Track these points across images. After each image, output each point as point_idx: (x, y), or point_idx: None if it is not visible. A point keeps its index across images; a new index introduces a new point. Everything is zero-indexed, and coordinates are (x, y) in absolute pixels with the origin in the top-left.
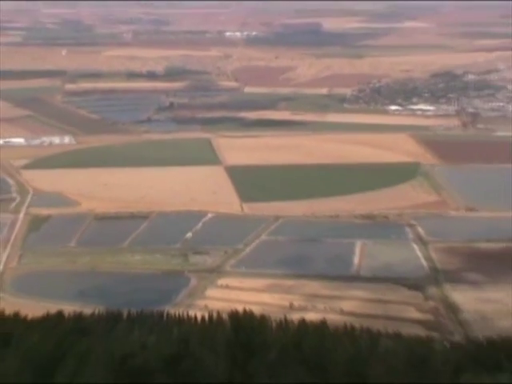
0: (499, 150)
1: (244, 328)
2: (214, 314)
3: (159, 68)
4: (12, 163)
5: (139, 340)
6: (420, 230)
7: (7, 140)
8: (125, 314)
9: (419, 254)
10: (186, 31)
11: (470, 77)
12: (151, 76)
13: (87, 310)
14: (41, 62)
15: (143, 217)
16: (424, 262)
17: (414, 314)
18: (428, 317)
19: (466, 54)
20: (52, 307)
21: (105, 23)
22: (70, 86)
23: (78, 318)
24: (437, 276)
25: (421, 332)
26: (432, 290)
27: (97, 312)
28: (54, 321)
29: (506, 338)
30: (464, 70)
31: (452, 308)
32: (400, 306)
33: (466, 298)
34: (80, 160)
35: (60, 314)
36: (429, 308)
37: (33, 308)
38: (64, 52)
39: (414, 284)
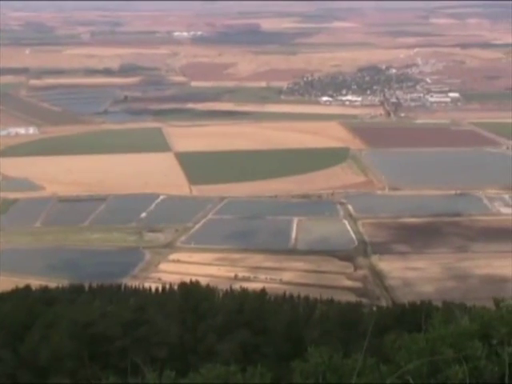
0: (419, 135)
1: (193, 296)
2: (167, 286)
3: (114, 65)
4: None
5: (99, 309)
6: (350, 207)
7: None
8: (86, 286)
9: (349, 228)
10: (137, 31)
11: (393, 71)
12: (107, 72)
13: (52, 284)
14: (6, 60)
15: (101, 199)
16: (354, 236)
17: (346, 283)
18: (358, 284)
19: (389, 50)
20: (20, 282)
21: (65, 25)
22: (33, 82)
23: (45, 290)
24: (365, 248)
25: (352, 298)
26: (361, 261)
27: (61, 285)
28: (23, 293)
29: (426, 302)
30: (387, 64)
31: (379, 276)
32: (333, 276)
33: (391, 267)
34: (44, 148)
35: (28, 287)
36: (358, 277)
37: (3, 283)
38: (28, 51)
39: (345, 255)
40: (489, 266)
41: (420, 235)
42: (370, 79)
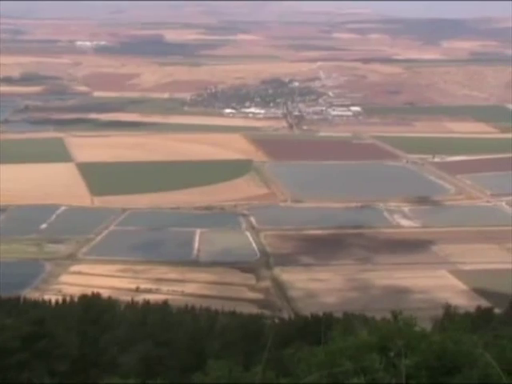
0: (321, 148)
1: (94, 308)
2: (67, 298)
3: (15, 73)
4: None
5: None
6: (252, 219)
7: None
8: None
9: (252, 240)
10: (39, 40)
11: (296, 84)
12: (7, 81)
13: None
14: None
15: (0, 210)
16: (256, 248)
17: (248, 294)
18: (260, 296)
19: (292, 63)
20: None
21: None
22: None
23: None
24: (268, 260)
25: (254, 310)
26: (264, 272)
27: None
28: None
29: (327, 313)
30: (290, 77)
31: (282, 288)
32: (235, 287)
33: (294, 279)
34: None
35: None
36: (260, 288)
37: None
38: None
39: (248, 267)
40: (390, 278)
41: (323, 247)
42: (274, 92)
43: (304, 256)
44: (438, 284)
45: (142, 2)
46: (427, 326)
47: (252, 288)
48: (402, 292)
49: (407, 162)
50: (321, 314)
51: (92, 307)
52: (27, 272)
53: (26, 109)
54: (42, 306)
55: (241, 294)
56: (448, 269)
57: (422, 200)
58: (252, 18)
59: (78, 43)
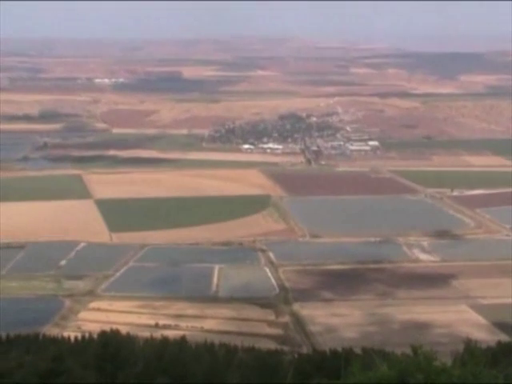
0: (339, 183)
1: (112, 344)
2: (86, 334)
3: (34, 111)
4: None
5: (16, 359)
6: (271, 254)
7: None
8: (3, 336)
9: (270, 275)
10: (58, 78)
11: (313, 119)
12: (26, 118)
13: None
14: None
15: (19, 247)
16: (275, 283)
17: (267, 330)
18: (279, 332)
19: (309, 98)
20: None
21: None
22: None
23: None
24: (287, 295)
25: (273, 346)
26: (282, 308)
27: None
28: None
29: (346, 349)
30: (307, 112)
31: (301, 323)
32: (254, 323)
33: (313, 314)
34: None
35: None
36: (279, 324)
37: None
38: None
39: (267, 303)
40: (409, 312)
41: (342, 282)
42: (291, 127)
43: (323, 291)
44: (458, 318)
45: (158, 39)
46: (447, 361)
47: (271, 323)
48: (422, 326)
49: (425, 195)
50: (340, 349)
51: (110, 343)
52: (46, 308)
53: (45, 146)
54: (61, 342)
55: (260, 329)
56: (468, 303)
57: (441, 234)
58: (267, 54)
59: (97, 81)
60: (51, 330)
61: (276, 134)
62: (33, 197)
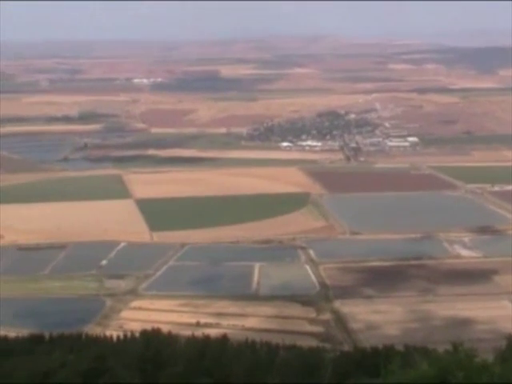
0: (379, 179)
1: (154, 344)
2: (128, 333)
3: (73, 112)
4: None
5: (59, 359)
6: (311, 252)
7: None
8: (46, 335)
9: (311, 273)
10: (97, 79)
11: (352, 116)
12: (67, 119)
13: (12, 334)
14: None
15: (61, 247)
16: (315, 281)
17: (308, 328)
18: (320, 329)
19: (348, 95)
20: None
21: (24, 72)
22: None
23: (3, 341)
24: (327, 292)
25: (314, 343)
26: (323, 305)
27: (20, 335)
28: None
29: (387, 346)
30: (346, 110)
31: (342, 320)
32: (295, 321)
33: (354, 311)
34: (2, 196)
35: None
36: (321, 321)
37: None
38: None
39: (307, 300)
40: (451, 309)
41: (383, 279)
42: (330, 124)
43: (364, 288)
44: (500, 314)
45: (196, 39)
46: (489, 358)
47: (312, 321)
48: (464, 323)
49: (466, 191)
50: (381, 346)
51: (152, 343)
52: (88, 308)
53: (85, 147)
54: (103, 341)
55: (301, 327)
56: (510, 299)
57: (483, 230)
58: (304, 52)
59: (135, 81)
60: (93, 330)
61: (314, 132)
62: (73, 197)
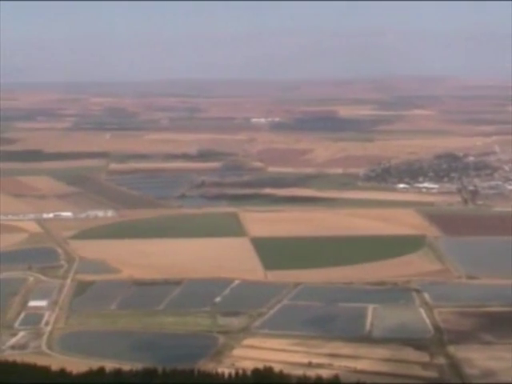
0: (497, 223)
1: (265, 382)
2: (240, 371)
3: (192, 150)
4: (60, 234)
5: None
6: (426, 295)
7: (57, 214)
8: (160, 370)
9: (425, 316)
10: (215, 117)
11: (470, 158)
12: (185, 157)
13: (126, 367)
14: (87, 144)
15: (176, 282)
16: (430, 324)
17: (421, 372)
18: (434, 374)
19: (466, 138)
20: (94, 364)
21: (146, 111)
22: (113, 166)
23: (118, 373)
24: (442, 337)
25: None
26: (437, 350)
27: (135, 369)
28: (96, 376)
29: None
30: (464, 152)
31: (457, 366)
32: (408, 365)
33: (470, 357)
34: (121, 231)
35: (102, 369)
36: (434, 366)
37: (77, 365)
38: (108, 136)
39: (421, 344)
40: None
41: (500, 324)
42: (447, 166)
43: (481, 333)
44: None
45: (314, 79)
46: None
47: (426, 366)
48: None
49: None
50: None
51: (263, 381)
52: (201, 344)
53: (202, 184)
54: (215, 378)
55: (414, 371)
56: None
57: None
58: (423, 93)
59: (253, 120)
60: (206, 366)
61: (432, 174)
62: (189, 234)
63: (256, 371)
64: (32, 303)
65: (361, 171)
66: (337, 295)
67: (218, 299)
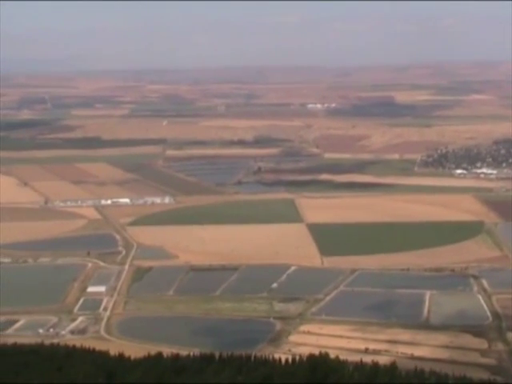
0: None
1: (321, 368)
2: (296, 357)
3: (248, 136)
4: (119, 221)
5: (228, 379)
6: (484, 281)
7: (115, 200)
8: (217, 355)
9: (483, 303)
10: (272, 104)
11: None
12: (241, 143)
13: (184, 352)
14: (144, 131)
15: (233, 269)
16: (488, 311)
17: (479, 359)
18: (492, 362)
19: None
20: (152, 349)
21: (201, 97)
22: (170, 153)
23: (175, 358)
24: (500, 324)
25: (485, 376)
26: (496, 337)
27: (192, 354)
28: (154, 361)
29: None
30: None
31: None
32: (466, 351)
33: None
34: (178, 218)
35: (159, 354)
36: (493, 353)
37: (135, 349)
38: (165, 123)
39: (479, 331)
40: None
41: None
42: (506, 152)
43: None
44: None
45: (370, 65)
46: None
47: (484, 353)
48: None
49: None
50: None
51: (320, 367)
52: (258, 330)
53: (259, 170)
54: (271, 364)
55: (472, 358)
56: None
57: None
58: (483, 78)
59: (309, 106)
60: (262, 352)
61: (490, 159)
62: (246, 220)
63: (312, 357)
64: (91, 289)
65: (418, 157)
66: (394, 281)
67: (274, 285)
